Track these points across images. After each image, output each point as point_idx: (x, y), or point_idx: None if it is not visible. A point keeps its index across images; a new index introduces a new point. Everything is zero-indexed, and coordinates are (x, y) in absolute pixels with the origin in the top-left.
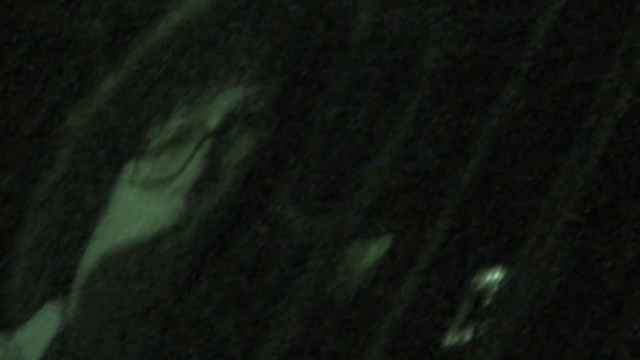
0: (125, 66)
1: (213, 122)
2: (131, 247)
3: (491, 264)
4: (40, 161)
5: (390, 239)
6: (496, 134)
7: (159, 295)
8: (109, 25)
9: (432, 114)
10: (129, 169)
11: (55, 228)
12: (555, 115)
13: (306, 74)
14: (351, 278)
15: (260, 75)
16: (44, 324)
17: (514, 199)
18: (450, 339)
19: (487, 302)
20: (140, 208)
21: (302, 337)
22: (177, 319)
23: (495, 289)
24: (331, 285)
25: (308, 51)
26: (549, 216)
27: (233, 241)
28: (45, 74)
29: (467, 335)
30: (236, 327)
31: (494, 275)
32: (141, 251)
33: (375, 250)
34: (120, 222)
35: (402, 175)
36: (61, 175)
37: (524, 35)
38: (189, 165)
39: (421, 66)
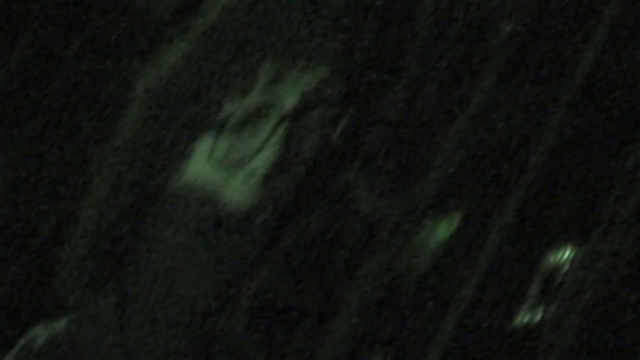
0: (197, 29)
1: (289, 103)
2: (200, 227)
3: (562, 243)
4: (108, 127)
5: (460, 217)
6: (569, 113)
7: (226, 276)
8: None
9: (504, 91)
10: (206, 142)
11: (119, 197)
12: (629, 94)
13: (379, 53)
14: (421, 256)
15: (337, 56)
16: (101, 310)
17: (586, 178)
18: (521, 318)
19: (558, 281)
20: (214, 188)
21: (372, 315)
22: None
23: (566, 268)
24: (401, 263)
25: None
26: (621, 196)
27: (303, 219)
28: (117, 40)
29: (538, 314)
30: (305, 306)
31: (565, 254)
32: (210, 232)
33: (444, 229)
34: (192, 199)
35: (473, 153)
36: (128, 140)
37: (598, 7)
38: (265, 147)
39: (494, 41)
